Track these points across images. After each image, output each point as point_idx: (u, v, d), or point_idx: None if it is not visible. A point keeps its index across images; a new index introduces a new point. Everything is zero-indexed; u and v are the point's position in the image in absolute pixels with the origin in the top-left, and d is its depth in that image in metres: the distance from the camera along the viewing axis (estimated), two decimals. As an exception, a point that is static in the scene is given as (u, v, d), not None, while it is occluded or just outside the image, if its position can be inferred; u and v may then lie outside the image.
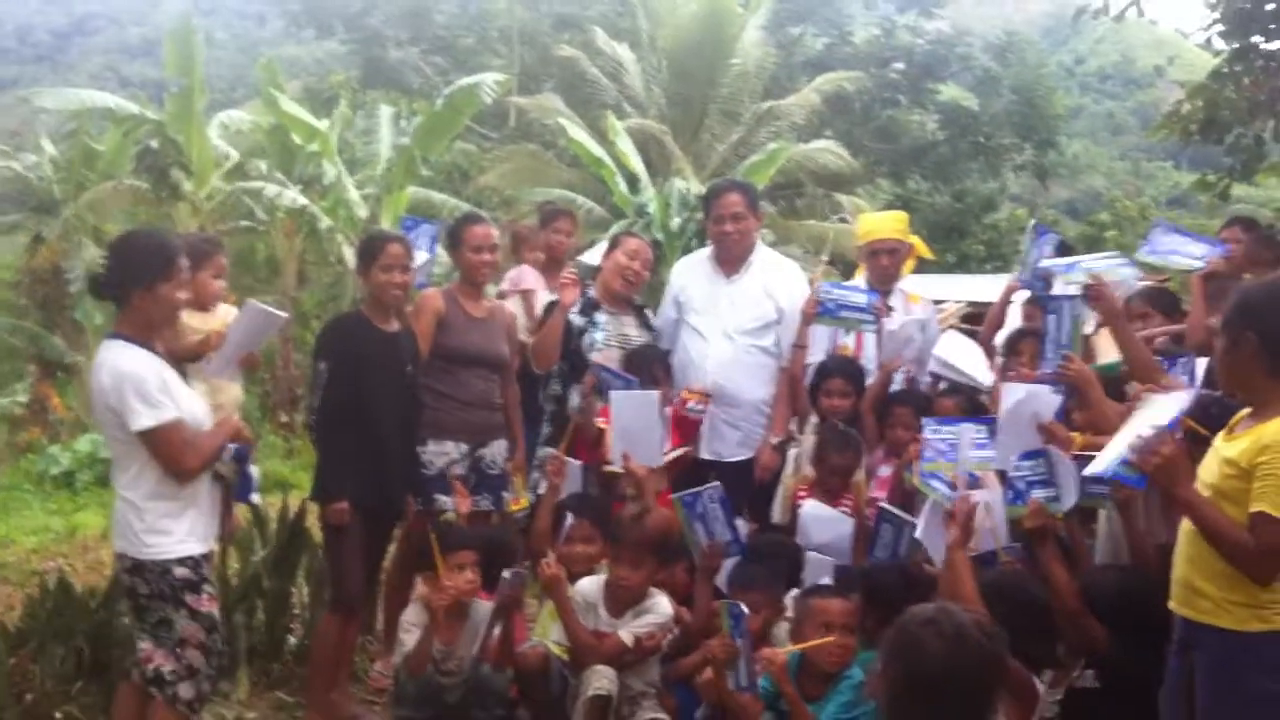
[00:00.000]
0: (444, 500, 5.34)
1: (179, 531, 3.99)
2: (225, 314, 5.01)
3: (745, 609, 4.06)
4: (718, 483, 4.99)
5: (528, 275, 6.39)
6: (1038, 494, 4.28)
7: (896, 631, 2.71)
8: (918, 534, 4.68)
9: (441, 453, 5.38)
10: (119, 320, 4.02)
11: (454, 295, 5.56)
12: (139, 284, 3.93)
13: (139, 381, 3.86)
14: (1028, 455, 4.34)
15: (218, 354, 4.68)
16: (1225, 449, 3.24)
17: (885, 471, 5.35)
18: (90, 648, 5.00)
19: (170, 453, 3.94)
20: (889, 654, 2.70)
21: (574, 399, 5.74)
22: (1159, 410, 3.47)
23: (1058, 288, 4.89)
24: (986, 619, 2.86)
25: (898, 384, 5.71)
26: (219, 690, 5.07)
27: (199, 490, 4.08)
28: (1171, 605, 3.38)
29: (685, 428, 5.63)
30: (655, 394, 5.35)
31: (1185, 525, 3.31)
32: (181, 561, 3.97)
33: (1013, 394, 4.48)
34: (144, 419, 3.85)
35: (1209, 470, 3.28)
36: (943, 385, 5.78)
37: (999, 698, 2.84)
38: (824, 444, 5.37)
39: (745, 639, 4.03)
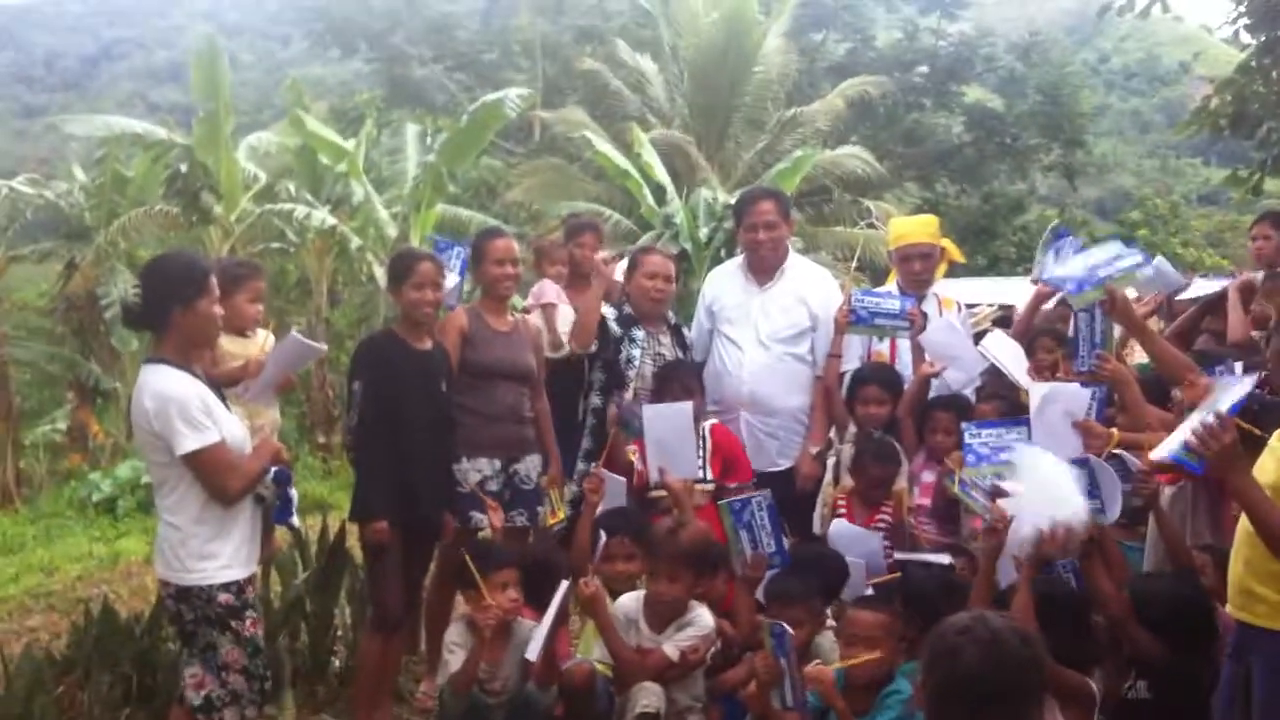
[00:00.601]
0: (479, 518, 5.33)
1: (223, 556, 3.99)
2: (262, 339, 5.03)
3: (788, 628, 4.02)
4: (768, 490, 4.98)
5: (549, 290, 6.38)
6: None
7: (933, 641, 2.70)
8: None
9: (475, 469, 5.36)
10: (157, 345, 4.02)
11: (478, 311, 5.57)
12: (178, 303, 3.93)
13: (182, 404, 3.87)
14: (1071, 465, 4.29)
15: (256, 381, 4.69)
16: None
17: (928, 478, 5.31)
18: (136, 674, 5.03)
19: (214, 475, 3.93)
20: (928, 664, 2.69)
21: (613, 411, 5.75)
22: (1223, 396, 3.45)
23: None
24: (1023, 624, 2.84)
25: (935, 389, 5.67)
26: (265, 714, 5.10)
27: (241, 514, 4.07)
28: (1228, 609, 3.35)
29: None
30: (688, 406, 5.31)
31: (1242, 527, 3.28)
32: (225, 587, 3.97)
33: (1039, 392, 4.45)
34: (189, 442, 3.85)
35: (1266, 470, 3.25)
36: (977, 387, 5.73)
37: (1043, 703, 2.82)
38: (862, 454, 5.35)
39: (789, 658, 3.99)
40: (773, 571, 4.85)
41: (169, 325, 3.95)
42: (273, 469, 4.23)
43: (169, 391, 3.88)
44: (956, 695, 2.57)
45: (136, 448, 4.19)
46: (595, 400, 5.91)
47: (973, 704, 2.54)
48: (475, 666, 4.62)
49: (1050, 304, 5.98)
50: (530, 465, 5.55)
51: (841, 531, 5.10)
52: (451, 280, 5.53)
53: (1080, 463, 4.26)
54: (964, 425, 4.79)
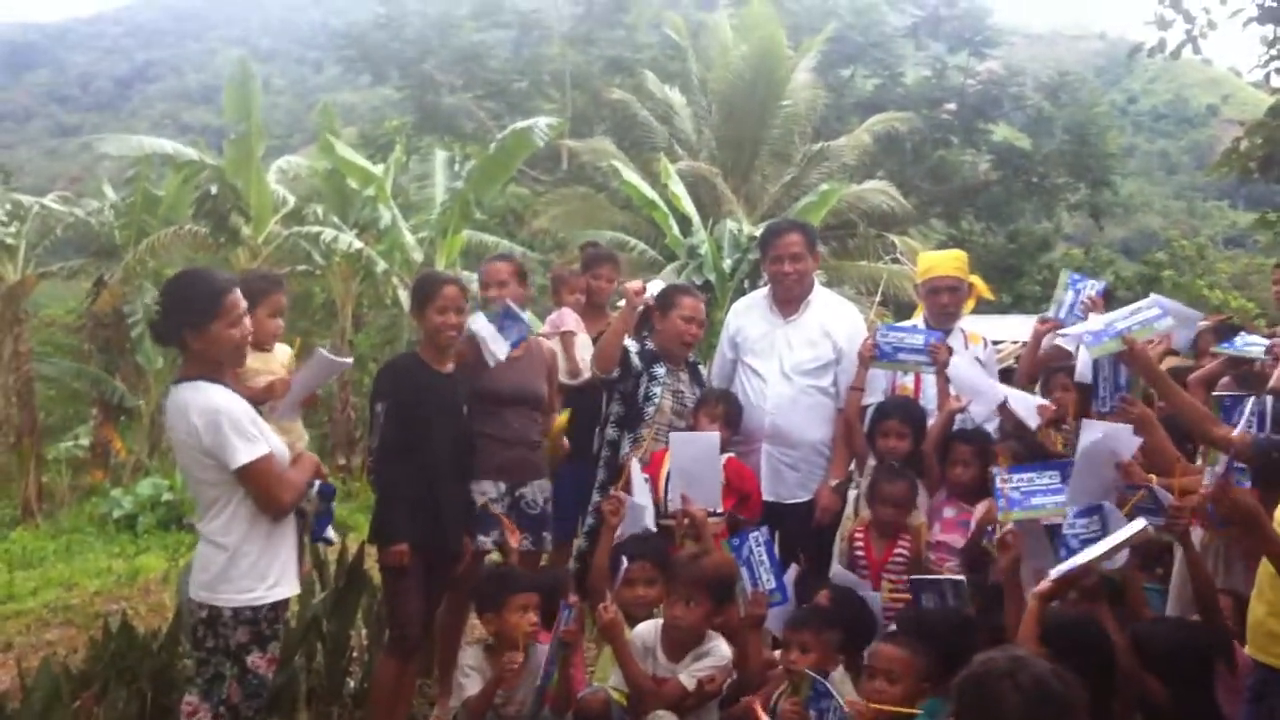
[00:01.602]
0: (485, 541, 5.32)
1: (272, 575, 3.95)
2: (281, 354, 5.02)
3: (834, 691, 3.93)
4: (765, 527, 4.96)
5: (568, 318, 6.38)
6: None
7: (971, 685, 2.65)
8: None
9: (480, 492, 5.35)
10: (186, 365, 3.98)
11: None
12: (189, 327, 3.88)
13: (233, 416, 3.83)
14: (1083, 513, 4.22)
15: (283, 401, 4.69)
16: None
17: (949, 513, 5.26)
18: (153, 690, 5.01)
19: (267, 487, 3.89)
20: (966, 708, 2.64)
21: (625, 446, 5.75)
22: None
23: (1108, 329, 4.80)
24: (1059, 667, 2.80)
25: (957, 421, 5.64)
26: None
27: (287, 530, 4.06)
28: (1249, 650, 3.31)
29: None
30: (715, 436, 5.30)
31: (1264, 570, 3.26)
32: (274, 607, 3.96)
33: (1090, 432, 4.36)
34: (242, 454, 3.81)
35: None
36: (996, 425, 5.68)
37: None
38: (876, 479, 5.31)
39: (827, 714, 3.92)
40: (776, 608, 4.82)
41: (188, 346, 3.92)
42: (316, 483, 4.22)
43: (218, 405, 3.83)
44: None
45: (182, 469, 4.08)
46: (610, 432, 5.88)
47: None
48: (492, 693, 4.60)
49: (1047, 341, 5.97)
50: (537, 490, 5.52)
51: (840, 574, 5.06)
52: (501, 350, 5.47)
53: (1094, 510, 4.21)
54: (994, 470, 4.69)
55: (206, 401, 3.82)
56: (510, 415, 5.46)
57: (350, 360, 5.13)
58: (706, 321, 6.07)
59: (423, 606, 5.08)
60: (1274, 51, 9.91)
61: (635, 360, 5.83)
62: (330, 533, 4.53)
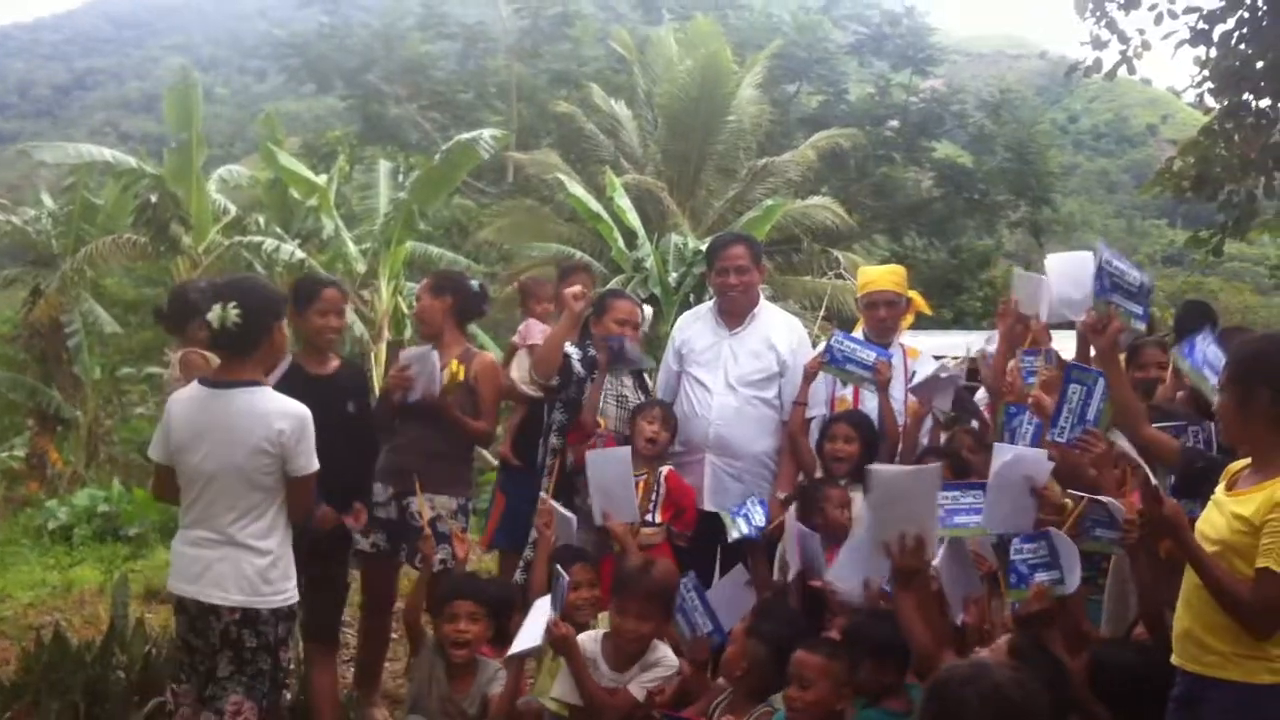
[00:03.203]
0: (357, 539, 5.33)
1: (293, 574, 4.14)
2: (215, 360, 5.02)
3: None
4: (691, 573, 4.95)
5: (535, 330, 6.38)
6: (1041, 577, 4.13)
7: (934, 695, 2.67)
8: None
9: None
10: (241, 368, 4.07)
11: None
12: (277, 318, 4.13)
13: (311, 426, 4.04)
14: (1029, 539, 4.18)
15: None
16: (1234, 505, 3.24)
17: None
18: (85, 702, 4.96)
19: (308, 494, 4.16)
20: (929, 715, 2.66)
21: (571, 455, 5.74)
22: None
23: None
24: (1022, 674, 2.81)
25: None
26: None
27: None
28: (1174, 659, 3.36)
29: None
30: (626, 451, 5.35)
31: (1189, 579, 3.31)
32: (294, 608, 4.16)
33: (1002, 455, 4.35)
34: (313, 462, 4.05)
35: (1214, 525, 3.28)
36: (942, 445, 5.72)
37: None
38: (814, 486, 5.33)
39: None
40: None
41: (266, 343, 4.09)
42: None
43: (302, 413, 4.03)
44: None
45: (231, 471, 4.02)
46: (554, 441, 5.89)
47: None
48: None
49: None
50: (430, 503, 5.37)
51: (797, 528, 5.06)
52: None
53: (1040, 536, 4.18)
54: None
55: (290, 408, 4.03)
56: (424, 429, 5.43)
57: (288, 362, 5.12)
58: (642, 325, 6.07)
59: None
60: (1205, 73, 10.11)
61: (577, 367, 5.85)
62: None
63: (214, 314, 3.97)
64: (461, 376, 5.45)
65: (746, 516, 5.21)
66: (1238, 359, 3.38)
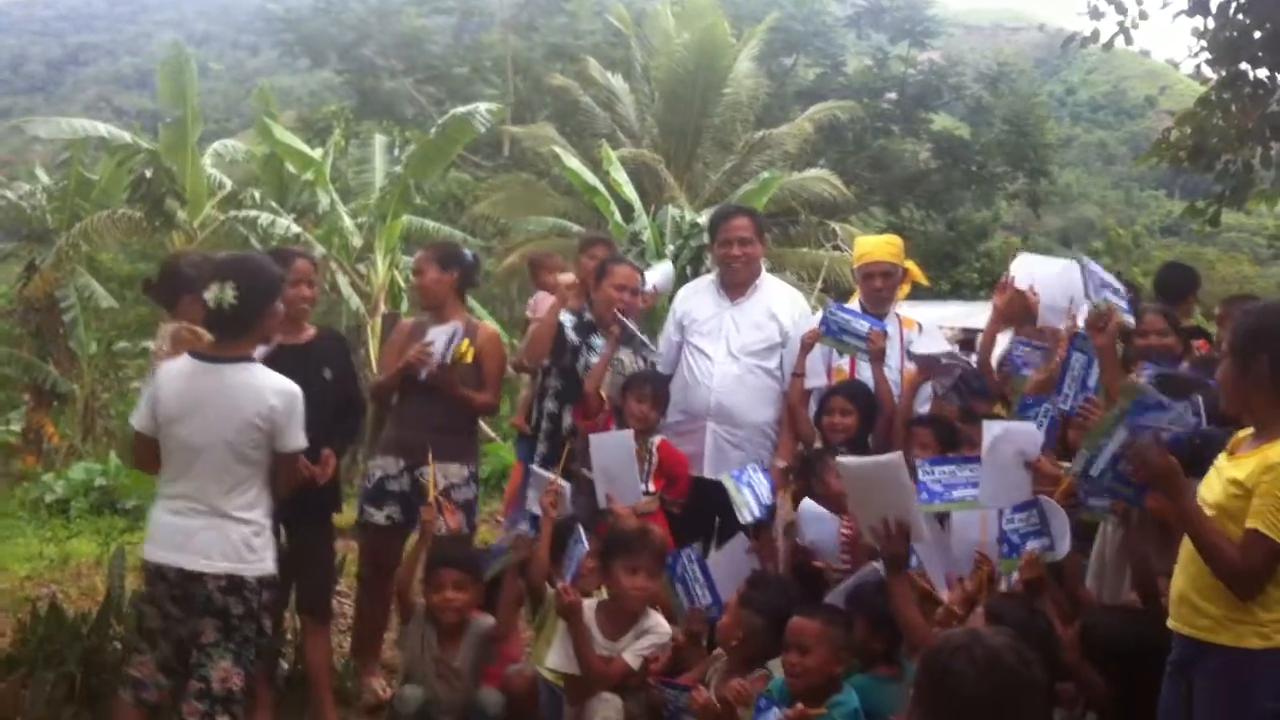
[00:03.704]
0: (371, 511, 5.45)
1: (274, 547, 4.20)
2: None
3: (775, 710, 3.95)
4: (696, 545, 5.08)
5: (544, 302, 6.37)
6: (1032, 545, 4.18)
7: (928, 663, 2.67)
8: (915, 564, 4.65)
9: (380, 467, 5.50)
10: (235, 343, 4.08)
11: (422, 322, 5.67)
12: (276, 298, 4.19)
13: (302, 403, 4.09)
14: (1020, 508, 4.24)
15: None
16: (1230, 469, 3.27)
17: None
18: (82, 674, 4.97)
19: (294, 469, 4.26)
20: (924, 686, 2.65)
21: (567, 419, 5.77)
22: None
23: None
24: (1019, 642, 2.81)
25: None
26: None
27: None
28: (1170, 623, 3.37)
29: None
30: (629, 434, 5.40)
31: (1185, 544, 3.32)
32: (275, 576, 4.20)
33: (991, 431, 4.39)
34: (302, 438, 4.12)
35: (1212, 490, 3.31)
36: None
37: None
38: (814, 458, 5.34)
39: None
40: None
41: (259, 322, 4.12)
42: None
43: (294, 390, 4.07)
44: (953, 716, 2.56)
45: (221, 445, 4.03)
46: (550, 405, 5.90)
47: None
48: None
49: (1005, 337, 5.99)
50: (440, 472, 5.40)
51: (811, 510, 5.09)
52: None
53: (1030, 505, 4.24)
54: (917, 461, 4.68)
55: (282, 385, 4.06)
56: (429, 405, 5.47)
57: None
58: (640, 289, 6.07)
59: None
60: (1204, 43, 10.04)
61: (571, 335, 5.86)
62: None
63: (211, 293, 3.98)
64: (470, 358, 5.47)
65: (751, 487, 5.18)
66: (1239, 328, 3.40)
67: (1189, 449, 3.64)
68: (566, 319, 5.90)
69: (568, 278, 5.87)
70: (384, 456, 5.52)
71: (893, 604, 4.13)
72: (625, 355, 5.94)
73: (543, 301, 6.41)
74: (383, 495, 5.45)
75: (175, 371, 4.10)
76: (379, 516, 5.47)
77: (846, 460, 4.50)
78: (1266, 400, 3.26)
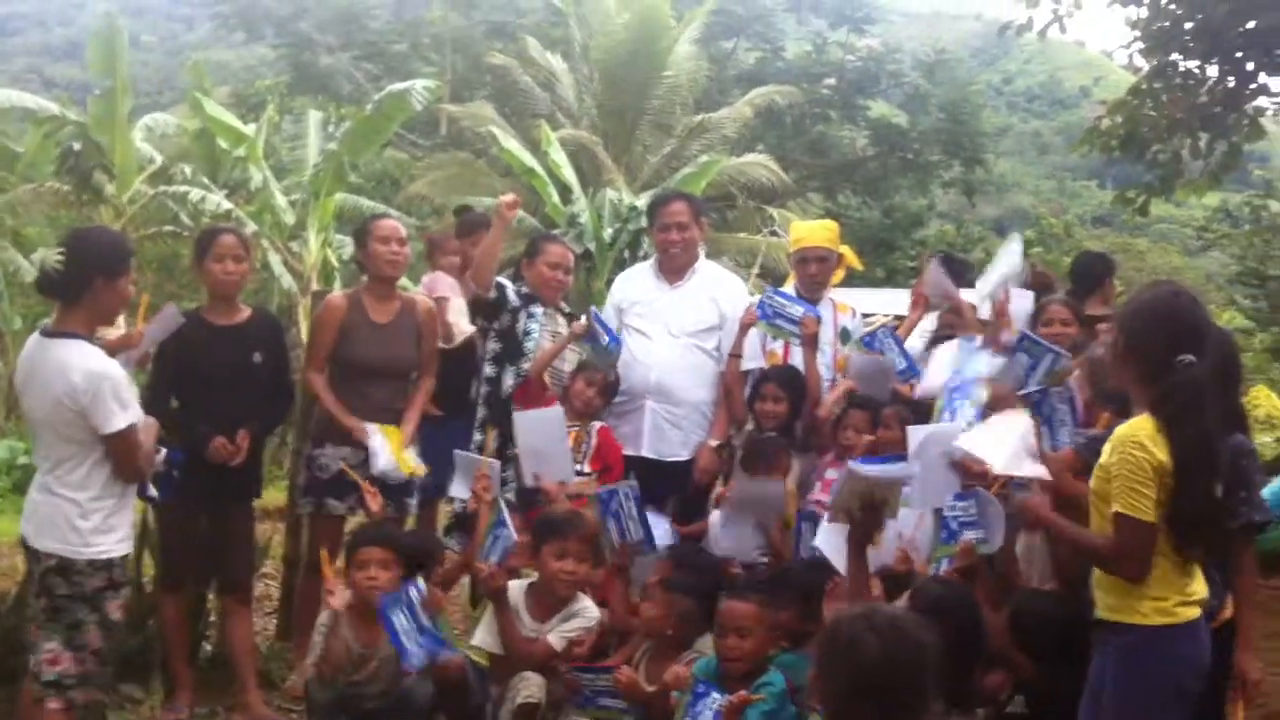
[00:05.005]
0: (334, 504, 5.37)
1: (121, 530, 4.07)
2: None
3: (715, 695, 3.93)
4: (633, 481, 5.09)
5: (441, 282, 6.31)
6: (969, 535, 4.26)
7: (830, 635, 2.72)
8: (817, 541, 4.72)
9: (337, 458, 5.37)
10: (66, 318, 4.02)
11: (359, 299, 5.55)
12: (103, 274, 3.99)
13: (115, 382, 3.92)
14: (961, 496, 4.32)
15: (136, 351, 4.68)
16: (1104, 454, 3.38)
17: (831, 475, 5.31)
18: (1, 653, 4.88)
19: (130, 454, 4.01)
20: (826, 658, 2.69)
21: (507, 380, 5.78)
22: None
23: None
24: (914, 613, 2.88)
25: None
26: (131, 697, 5.00)
27: (131, 489, 4.16)
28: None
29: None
30: (558, 411, 5.45)
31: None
32: (122, 560, 4.07)
33: (915, 437, 4.47)
34: (118, 420, 3.91)
35: (1095, 477, 3.42)
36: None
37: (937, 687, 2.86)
38: (750, 455, 5.37)
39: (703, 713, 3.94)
40: (649, 559, 4.95)
41: (87, 296, 3.99)
42: (164, 450, 4.37)
43: (103, 370, 3.92)
44: (861, 684, 2.59)
45: (38, 420, 4.02)
46: (489, 369, 5.90)
47: (877, 691, 2.56)
48: (339, 647, 4.60)
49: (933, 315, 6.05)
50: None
51: (722, 523, 5.14)
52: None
53: (970, 495, 4.31)
54: (849, 463, 4.73)
55: (91, 363, 3.91)
56: (371, 386, 5.44)
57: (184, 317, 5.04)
58: (577, 276, 6.09)
59: (185, 548, 5.16)
60: (1136, 33, 10.17)
61: (512, 297, 5.87)
62: (152, 490, 4.47)
63: (36, 256, 3.97)
64: (411, 471, 5.46)
65: (618, 518, 5.11)
66: (1122, 309, 3.58)
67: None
68: (508, 283, 5.93)
69: (509, 197, 5.83)
70: (339, 446, 5.39)
71: (851, 584, 4.20)
72: (562, 327, 6.01)
73: (440, 281, 6.34)
74: (343, 486, 5.33)
75: (27, 345, 4.10)
76: (341, 508, 5.41)
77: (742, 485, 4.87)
78: (1126, 379, 3.40)
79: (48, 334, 4.02)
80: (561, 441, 5.34)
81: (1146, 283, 5.21)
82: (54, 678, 3.91)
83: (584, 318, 5.80)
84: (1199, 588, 3.33)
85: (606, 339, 5.73)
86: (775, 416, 5.47)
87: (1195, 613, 3.29)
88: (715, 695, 3.89)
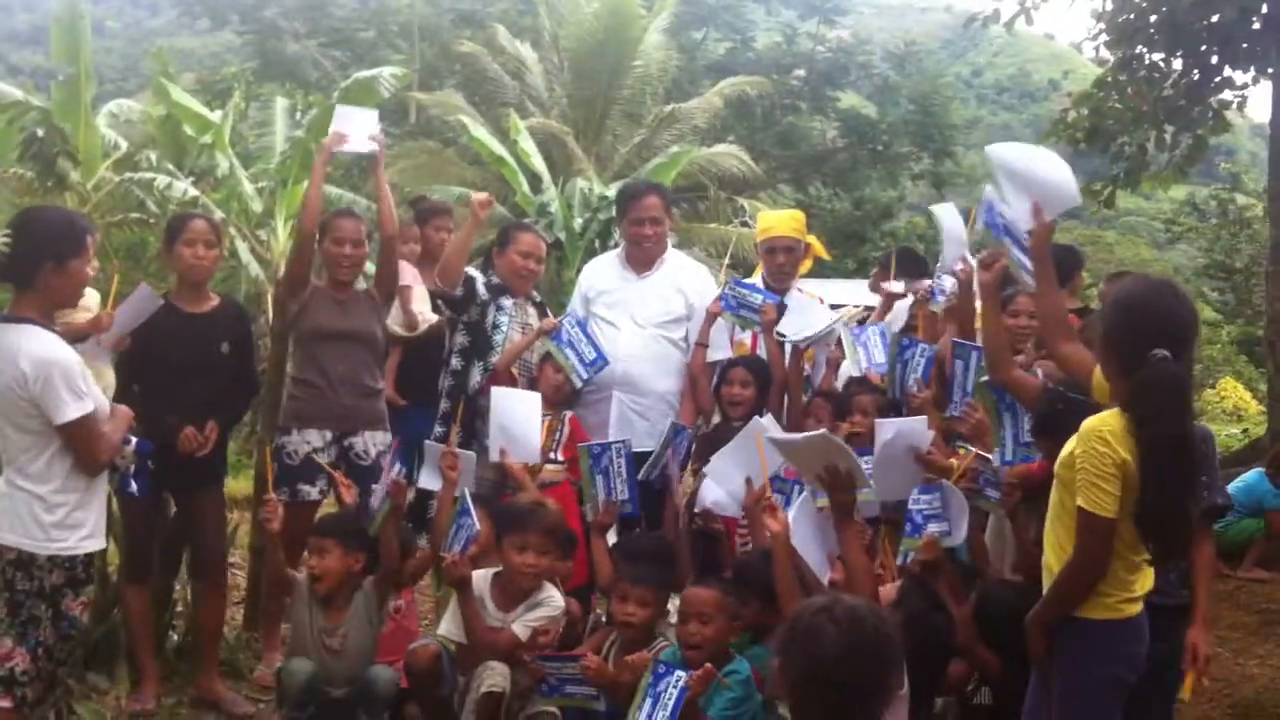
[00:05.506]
0: (306, 489, 5.36)
1: (87, 526, 3.94)
2: (90, 299, 4.88)
3: (681, 672, 3.92)
4: (628, 438, 5.16)
5: (405, 271, 6.31)
6: (932, 528, 4.31)
7: (791, 625, 2.73)
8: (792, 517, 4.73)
9: (304, 442, 5.38)
10: (21, 303, 3.90)
11: (322, 285, 5.61)
12: (53, 259, 3.85)
13: (66, 370, 3.79)
14: (926, 490, 4.38)
15: (107, 335, 4.62)
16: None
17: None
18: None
19: (89, 444, 3.88)
20: (787, 648, 2.70)
21: (474, 375, 5.77)
22: None
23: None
24: (877, 604, 2.89)
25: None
26: (97, 687, 4.97)
27: (101, 483, 4.04)
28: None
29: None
30: (537, 396, 5.45)
31: (1049, 524, 3.46)
32: (88, 558, 3.95)
33: (884, 431, 4.51)
34: (71, 410, 3.78)
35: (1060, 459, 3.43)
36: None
37: (898, 679, 2.89)
38: (718, 433, 5.38)
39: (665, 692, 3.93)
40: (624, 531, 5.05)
41: (38, 281, 3.86)
42: (133, 440, 4.18)
43: (52, 356, 3.78)
44: (819, 674, 2.60)
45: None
46: (455, 362, 5.89)
47: (836, 681, 2.57)
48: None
49: (906, 303, 6.07)
50: (370, 440, 5.49)
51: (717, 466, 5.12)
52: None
53: (935, 489, 4.37)
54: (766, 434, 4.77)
55: (41, 350, 3.78)
56: (333, 356, 5.41)
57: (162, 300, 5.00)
58: (547, 266, 6.09)
59: (151, 538, 5.20)
60: (1102, 25, 10.24)
61: (481, 289, 5.84)
62: (134, 486, 4.41)
63: None
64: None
65: (573, 345, 5.51)
66: (1107, 301, 3.58)
67: (1049, 414, 3.76)
68: (477, 275, 5.91)
69: (483, 196, 5.81)
70: (304, 430, 5.40)
71: (843, 550, 4.18)
72: (533, 319, 6.00)
73: (402, 270, 6.33)
74: (314, 470, 5.34)
75: None
76: (313, 493, 5.40)
77: (779, 436, 4.62)
78: (1108, 372, 3.38)
79: (3, 319, 3.92)
80: (533, 424, 5.34)
81: (1111, 275, 5.29)
82: (4, 674, 3.83)
83: (567, 323, 5.73)
84: (1145, 583, 3.36)
85: (593, 354, 5.67)
86: (743, 401, 5.47)
87: (1138, 609, 3.33)
88: (680, 673, 3.88)
